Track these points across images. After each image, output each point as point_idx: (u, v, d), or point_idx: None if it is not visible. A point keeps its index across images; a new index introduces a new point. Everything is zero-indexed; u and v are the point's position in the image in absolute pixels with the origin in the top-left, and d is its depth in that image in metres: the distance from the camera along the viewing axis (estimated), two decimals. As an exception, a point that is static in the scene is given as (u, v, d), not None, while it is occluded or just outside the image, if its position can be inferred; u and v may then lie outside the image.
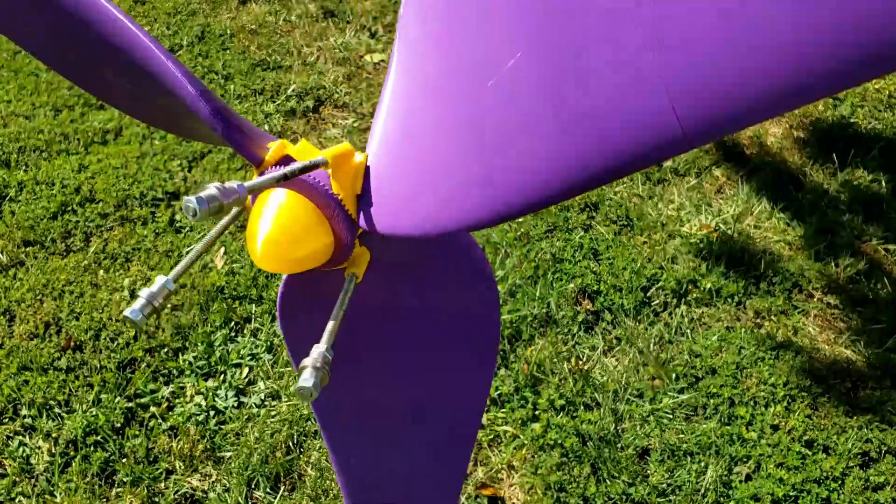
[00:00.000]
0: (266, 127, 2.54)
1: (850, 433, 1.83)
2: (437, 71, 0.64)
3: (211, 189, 0.55)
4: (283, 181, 0.66)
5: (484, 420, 1.84)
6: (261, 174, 0.68)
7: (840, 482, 1.75)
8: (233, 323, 1.98)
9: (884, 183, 2.47)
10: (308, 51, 2.90)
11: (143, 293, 0.67)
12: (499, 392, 1.88)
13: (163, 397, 1.84)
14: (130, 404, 1.83)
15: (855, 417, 1.86)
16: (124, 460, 1.74)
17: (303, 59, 2.86)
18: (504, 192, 0.57)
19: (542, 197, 0.56)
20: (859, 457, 1.79)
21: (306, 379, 0.61)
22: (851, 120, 2.69)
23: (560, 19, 0.54)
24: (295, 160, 0.69)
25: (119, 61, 0.70)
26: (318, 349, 0.64)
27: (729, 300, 2.10)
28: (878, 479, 1.75)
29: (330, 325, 0.67)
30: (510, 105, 0.56)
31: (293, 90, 2.70)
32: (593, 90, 0.51)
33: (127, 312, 0.66)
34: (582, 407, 1.86)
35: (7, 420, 1.80)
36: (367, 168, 0.70)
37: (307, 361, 0.63)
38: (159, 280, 0.68)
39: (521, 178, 0.56)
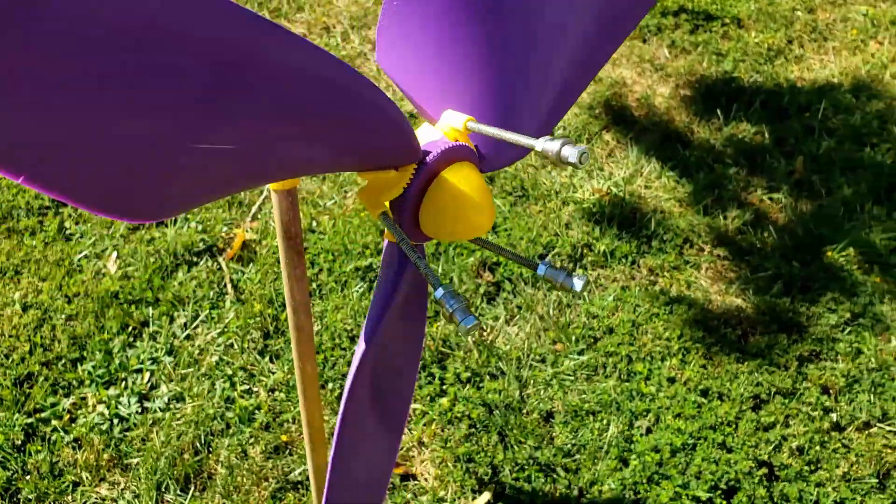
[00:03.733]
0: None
1: (742, 378, 1.92)
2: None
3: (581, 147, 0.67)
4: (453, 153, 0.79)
5: (392, 400, 1.87)
6: (446, 150, 0.78)
7: (734, 426, 1.83)
8: (130, 328, 1.95)
9: (766, 135, 2.57)
10: None
11: (452, 307, 0.70)
12: (405, 371, 1.91)
13: (64, 409, 1.81)
14: (30, 420, 1.79)
15: (746, 363, 1.95)
16: (28, 477, 1.71)
17: None
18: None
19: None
20: (751, 400, 1.88)
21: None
22: (734, 75, 2.78)
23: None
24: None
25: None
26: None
27: (623, 260, 2.16)
28: (769, 420, 1.84)
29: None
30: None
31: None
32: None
33: (466, 326, 0.68)
34: (487, 377, 1.90)
35: None
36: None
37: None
38: (439, 292, 0.71)
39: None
